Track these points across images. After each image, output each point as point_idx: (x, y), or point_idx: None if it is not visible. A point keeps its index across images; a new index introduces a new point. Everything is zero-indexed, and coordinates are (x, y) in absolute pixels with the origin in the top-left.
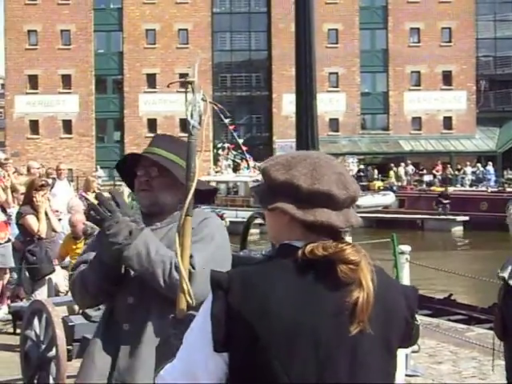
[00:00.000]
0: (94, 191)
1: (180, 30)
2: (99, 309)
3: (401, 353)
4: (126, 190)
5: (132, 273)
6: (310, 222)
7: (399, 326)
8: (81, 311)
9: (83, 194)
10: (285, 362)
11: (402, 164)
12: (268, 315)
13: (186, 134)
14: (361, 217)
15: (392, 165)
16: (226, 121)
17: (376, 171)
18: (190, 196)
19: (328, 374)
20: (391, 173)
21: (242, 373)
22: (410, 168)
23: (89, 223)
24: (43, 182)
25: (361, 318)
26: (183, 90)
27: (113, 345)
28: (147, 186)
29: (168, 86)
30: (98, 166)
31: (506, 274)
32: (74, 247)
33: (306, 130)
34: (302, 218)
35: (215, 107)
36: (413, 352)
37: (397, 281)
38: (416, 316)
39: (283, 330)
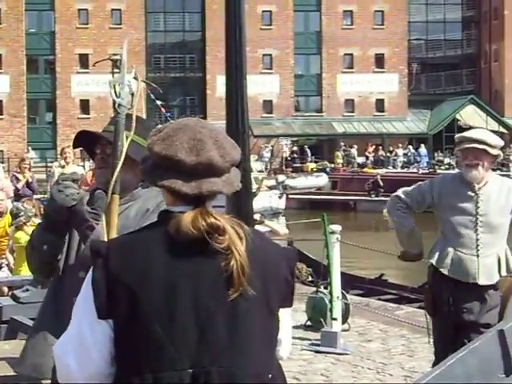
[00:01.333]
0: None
1: (113, 10)
2: (27, 290)
3: (286, 312)
4: (57, 171)
5: (83, 247)
6: (158, 186)
7: (279, 285)
8: (10, 293)
9: (15, 174)
10: (166, 325)
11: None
12: (147, 280)
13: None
14: (293, 198)
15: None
16: (159, 102)
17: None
18: (116, 174)
19: (208, 336)
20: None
21: (126, 339)
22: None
23: (16, 204)
24: None
25: (238, 282)
26: (117, 70)
27: (64, 318)
28: (103, 164)
29: (94, 65)
30: (30, 148)
31: (433, 261)
32: None
33: (236, 111)
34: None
35: (147, 87)
36: (343, 330)
37: (276, 243)
38: (346, 295)
39: (162, 294)
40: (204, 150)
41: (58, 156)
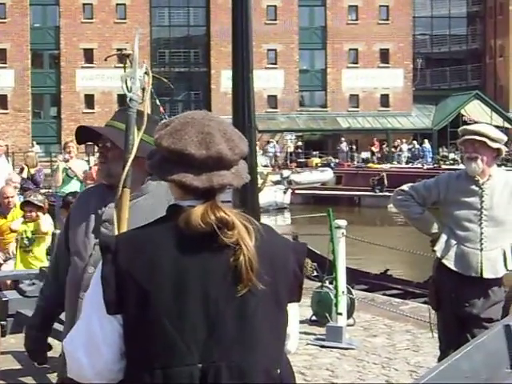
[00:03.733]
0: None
1: (118, 4)
2: (33, 284)
3: (294, 306)
4: (61, 166)
5: (92, 243)
6: (167, 181)
7: (288, 280)
8: (15, 287)
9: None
10: (175, 320)
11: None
12: (156, 274)
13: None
14: (299, 193)
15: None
16: (157, 102)
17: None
18: (127, 168)
19: (218, 331)
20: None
21: (136, 334)
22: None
23: None
24: None
25: (247, 278)
26: (121, 65)
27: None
28: (102, 159)
29: (105, 60)
30: (35, 142)
31: (438, 254)
32: (2, 224)
33: (242, 103)
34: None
35: (149, 87)
36: (348, 325)
37: (285, 237)
38: (351, 290)
39: (171, 289)
40: (213, 143)
41: (62, 150)
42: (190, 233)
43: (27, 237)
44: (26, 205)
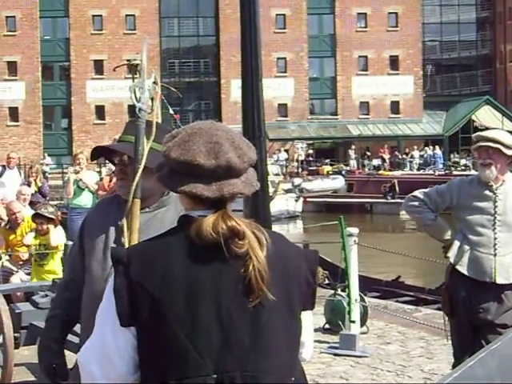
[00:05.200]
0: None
1: (127, 15)
2: (46, 295)
3: (308, 314)
4: (72, 177)
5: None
6: (178, 192)
7: (300, 288)
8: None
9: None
10: (189, 331)
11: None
12: (168, 286)
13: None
14: (310, 201)
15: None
16: (171, 111)
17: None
18: (138, 178)
19: (231, 341)
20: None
21: (150, 346)
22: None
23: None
24: None
25: (258, 288)
26: (131, 75)
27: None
28: (122, 175)
29: (114, 70)
30: (46, 154)
31: (451, 260)
32: (12, 238)
33: (252, 112)
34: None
35: (161, 93)
36: (361, 333)
37: (296, 245)
38: (364, 297)
39: (184, 300)
40: (222, 153)
41: (72, 162)
42: (201, 243)
43: (39, 251)
44: (37, 217)
